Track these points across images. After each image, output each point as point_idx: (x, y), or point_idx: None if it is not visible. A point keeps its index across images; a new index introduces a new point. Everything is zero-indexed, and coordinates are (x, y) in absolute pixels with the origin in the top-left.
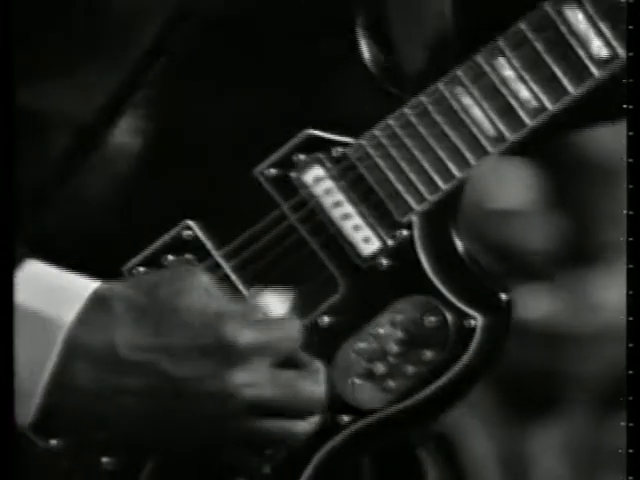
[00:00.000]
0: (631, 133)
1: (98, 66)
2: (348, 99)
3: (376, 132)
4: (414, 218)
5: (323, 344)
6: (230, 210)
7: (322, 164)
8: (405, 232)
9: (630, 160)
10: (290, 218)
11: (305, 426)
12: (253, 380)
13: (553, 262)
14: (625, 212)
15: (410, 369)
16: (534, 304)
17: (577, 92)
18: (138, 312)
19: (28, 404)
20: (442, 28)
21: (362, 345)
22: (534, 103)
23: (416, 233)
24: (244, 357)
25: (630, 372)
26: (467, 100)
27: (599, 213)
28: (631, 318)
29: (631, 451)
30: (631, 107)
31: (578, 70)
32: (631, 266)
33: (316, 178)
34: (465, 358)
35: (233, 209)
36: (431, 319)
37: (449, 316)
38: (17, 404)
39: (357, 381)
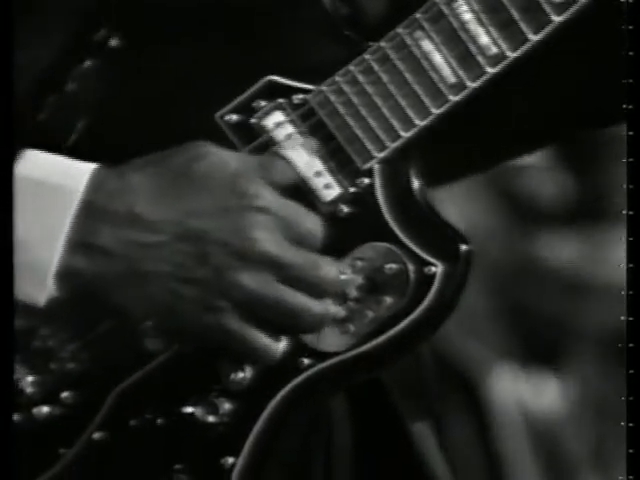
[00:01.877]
0: (631, 133)
1: None
2: (309, 45)
3: (337, 78)
4: (375, 166)
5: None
6: None
7: (283, 109)
8: (366, 180)
9: (630, 160)
10: None
11: (322, 308)
12: (271, 235)
13: (571, 212)
14: (625, 212)
15: (370, 314)
16: (555, 252)
17: (536, 38)
18: (154, 177)
19: (42, 277)
20: None
21: None
22: (494, 49)
23: (377, 181)
24: (262, 212)
25: (630, 372)
26: (427, 45)
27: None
28: (631, 318)
29: (631, 451)
30: (631, 107)
31: (537, 15)
32: (631, 265)
33: (276, 123)
34: (424, 304)
35: None
36: (392, 266)
37: (409, 263)
38: (32, 280)
39: None
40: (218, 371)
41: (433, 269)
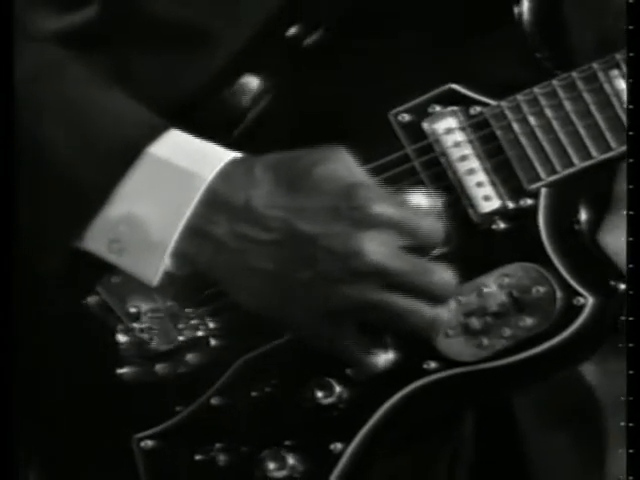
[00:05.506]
0: (631, 133)
1: None
2: (497, 62)
3: (518, 96)
4: (542, 188)
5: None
6: (360, 144)
7: (456, 117)
8: (529, 200)
9: (630, 160)
10: (413, 161)
11: (438, 313)
12: (381, 247)
13: None
14: (625, 212)
15: (507, 331)
16: None
17: None
18: (276, 175)
19: (157, 257)
20: (615, 27)
21: (463, 299)
22: None
23: (541, 203)
24: (375, 224)
25: (630, 372)
26: (621, 84)
27: None
28: (631, 318)
29: (631, 451)
30: (631, 107)
31: None
32: (631, 266)
33: (447, 129)
34: (566, 334)
35: (363, 143)
36: (539, 289)
37: (558, 290)
38: (147, 257)
39: (450, 332)
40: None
41: (582, 300)
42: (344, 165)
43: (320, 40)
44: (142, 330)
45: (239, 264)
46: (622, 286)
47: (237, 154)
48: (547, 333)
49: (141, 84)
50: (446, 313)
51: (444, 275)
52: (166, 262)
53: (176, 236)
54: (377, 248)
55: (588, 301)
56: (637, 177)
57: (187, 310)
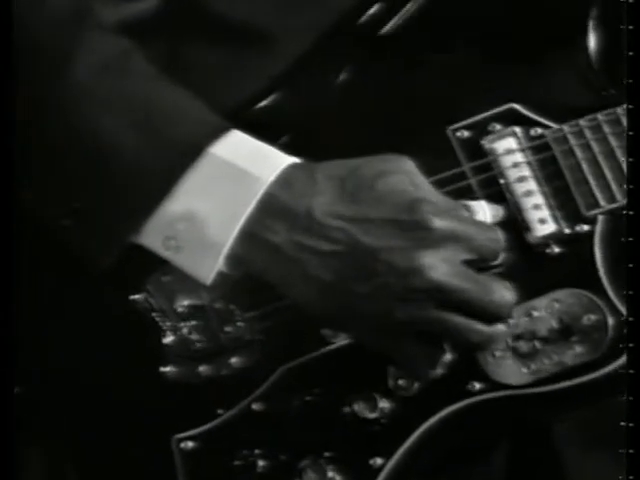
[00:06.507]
0: (631, 133)
1: None
2: (561, 85)
3: (581, 122)
4: (599, 215)
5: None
6: (417, 158)
7: (517, 138)
8: (586, 226)
9: (630, 160)
10: (470, 179)
11: (494, 330)
12: (441, 263)
13: None
14: (625, 212)
15: (555, 358)
16: None
17: None
18: (338, 184)
19: (213, 256)
20: None
21: (512, 321)
22: None
23: (598, 229)
24: (437, 240)
25: (630, 372)
26: None
27: None
28: (631, 318)
29: (631, 451)
30: (631, 107)
31: None
32: (631, 265)
33: (507, 149)
34: (614, 366)
35: (421, 158)
36: (591, 317)
37: (610, 319)
38: (203, 257)
39: (498, 354)
40: (387, 372)
41: None
42: (409, 177)
43: (392, 38)
44: (189, 330)
45: (296, 272)
46: None
47: (297, 159)
48: (597, 362)
49: (197, 81)
50: (503, 332)
51: (504, 294)
52: (220, 263)
53: (232, 238)
54: (438, 265)
55: None
56: (637, 177)
57: (236, 313)
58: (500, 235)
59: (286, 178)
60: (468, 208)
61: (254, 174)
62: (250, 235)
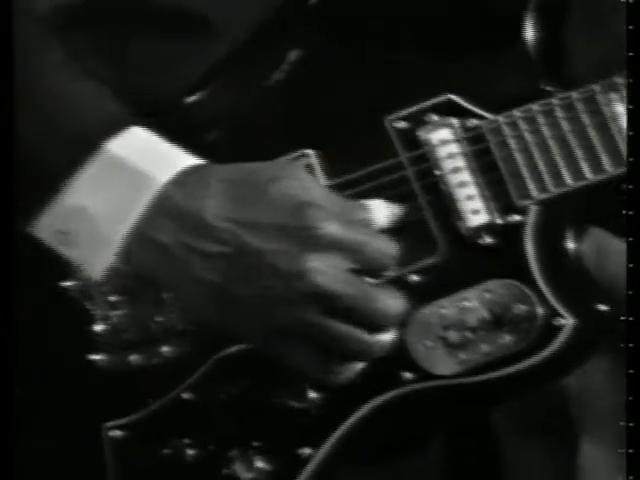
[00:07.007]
0: (631, 133)
1: None
2: (498, 76)
3: (515, 112)
4: (532, 206)
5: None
6: (353, 148)
7: (452, 129)
8: (518, 217)
9: (630, 160)
10: (407, 169)
11: (378, 340)
12: (326, 269)
13: None
14: (625, 212)
15: (485, 348)
16: None
17: None
18: (231, 187)
19: (103, 253)
20: (615, 51)
21: (443, 311)
22: None
23: (529, 220)
24: (323, 245)
25: (630, 372)
26: (619, 108)
27: None
28: (631, 318)
29: (631, 451)
30: (631, 107)
31: None
32: (631, 265)
33: (442, 140)
34: (543, 354)
35: (357, 148)
36: (521, 307)
37: (539, 310)
38: (94, 252)
39: (429, 344)
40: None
41: (562, 321)
42: (300, 183)
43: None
44: (119, 319)
45: (184, 273)
46: (604, 308)
47: (197, 161)
48: (525, 352)
49: (135, 69)
50: (387, 341)
51: (390, 303)
52: (111, 259)
53: (122, 236)
54: (323, 269)
55: (568, 322)
56: (637, 177)
57: (166, 303)
58: (390, 245)
59: (181, 180)
60: (365, 208)
61: (148, 174)
62: (140, 233)
